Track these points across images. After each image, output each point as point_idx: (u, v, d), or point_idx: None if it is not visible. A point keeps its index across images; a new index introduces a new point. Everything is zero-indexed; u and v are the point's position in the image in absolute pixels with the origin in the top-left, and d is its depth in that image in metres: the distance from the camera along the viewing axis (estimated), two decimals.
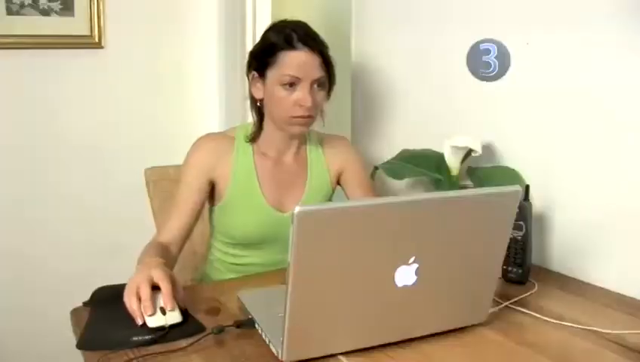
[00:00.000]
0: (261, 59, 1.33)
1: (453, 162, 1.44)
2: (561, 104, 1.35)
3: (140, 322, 0.98)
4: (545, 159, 1.39)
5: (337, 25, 2.00)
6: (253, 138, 1.40)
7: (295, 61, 1.28)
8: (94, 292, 1.13)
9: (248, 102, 1.42)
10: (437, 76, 1.63)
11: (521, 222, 1.28)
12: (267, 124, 1.39)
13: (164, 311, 0.99)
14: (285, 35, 1.29)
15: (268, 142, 1.41)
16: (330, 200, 1.47)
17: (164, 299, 1.00)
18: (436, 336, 1.02)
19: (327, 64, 1.32)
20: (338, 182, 1.50)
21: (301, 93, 1.29)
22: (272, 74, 1.31)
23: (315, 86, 1.31)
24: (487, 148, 1.47)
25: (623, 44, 1.23)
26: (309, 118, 1.32)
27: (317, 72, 1.30)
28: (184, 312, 1.03)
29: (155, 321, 0.98)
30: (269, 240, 1.40)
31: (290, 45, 1.29)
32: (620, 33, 1.23)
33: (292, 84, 1.29)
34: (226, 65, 2.14)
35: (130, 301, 1.00)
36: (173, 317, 1.00)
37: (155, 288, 1.02)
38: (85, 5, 1.94)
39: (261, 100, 1.37)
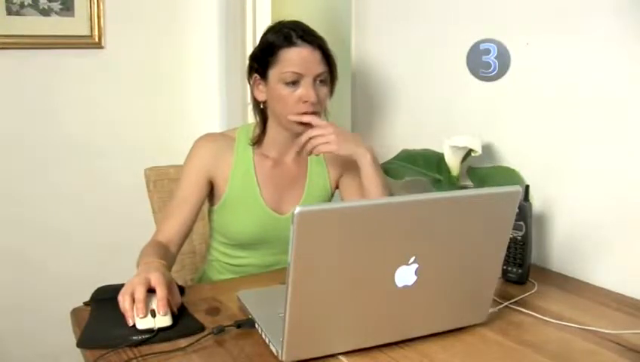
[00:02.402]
0: (262, 60, 1.33)
1: (453, 162, 1.44)
2: (561, 104, 1.35)
3: (130, 323, 0.99)
4: (545, 159, 1.39)
5: (337, 25, 2.00)
6: (257, 141, 1.39)
7: (296, 57, 1.28)
8: (95, 291, 1.13)
9: (248, 102, 1.41)
10: (437, 76, 1.63)
11: (521, 222, 1.28)
12: (271, 125, 1.38)
13: (154, 314, 0.99)
14: (284, 34, 1.30)
15: (270, 143, 1.40)
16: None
17: (157, 303, 1.00)
18: (436, 336, 1.02)
19: (328, 59, 1.32)
20: (337, 186, 1.49)
21: (304, 89, 1.29)
22: (273, 73, 1.31)
23: (318, 81, 1.31)
24: (487, 148, 1.47)
25: (623, 43, 1.23)
26: (314, 114, 1.32)
27: (318, 67, 1.30)
28: (177, 316, 1.03)
29: (144, 323, 0.99)
30: (267, 241, 1.40)
31: (289, 42, 1.29)
32: (620, 33, 1.23)
33: (295, 82, 1.29)
34: (226, 65, 2.14)
35: (123, 301, 1.00)
36: (163, 321, 1.00)
37: (152, 290, 1.02)
38: (85, 5, 1.94)
39: (264, 102, 1.36)
